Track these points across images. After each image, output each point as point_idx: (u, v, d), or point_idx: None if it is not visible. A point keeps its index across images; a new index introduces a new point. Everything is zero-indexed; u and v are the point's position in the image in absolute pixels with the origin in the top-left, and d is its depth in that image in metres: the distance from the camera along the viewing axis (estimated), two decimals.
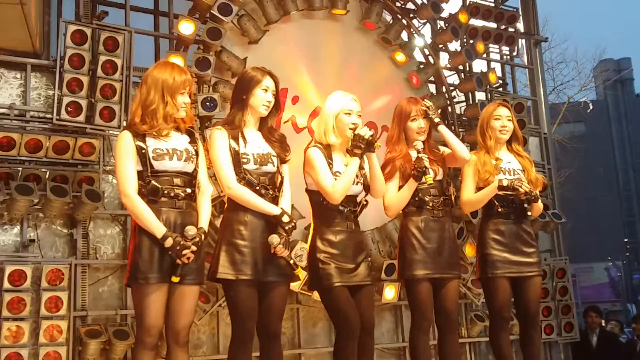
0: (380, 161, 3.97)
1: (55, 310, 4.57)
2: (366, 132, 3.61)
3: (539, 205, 4.26)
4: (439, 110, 4.01)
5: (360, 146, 3.60)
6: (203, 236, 3.21)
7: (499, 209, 4.17)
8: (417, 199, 3.97)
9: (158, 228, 3.11)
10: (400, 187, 3.99)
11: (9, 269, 4.48)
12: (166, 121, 3.22)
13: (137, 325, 3.17)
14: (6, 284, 4.45)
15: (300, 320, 5.78)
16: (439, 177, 4.07)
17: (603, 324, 8.63)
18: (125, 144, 3.18)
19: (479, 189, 4.20)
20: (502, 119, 4.27)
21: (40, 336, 4.50)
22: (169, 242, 3.08)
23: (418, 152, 3.94)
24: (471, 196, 4.19)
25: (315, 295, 5.44)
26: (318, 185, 3.64)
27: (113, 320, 4.90)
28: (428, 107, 4.05)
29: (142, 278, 3.09)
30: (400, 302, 6.10)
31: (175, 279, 3.12)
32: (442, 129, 4.03)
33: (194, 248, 3.12)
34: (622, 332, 10.04)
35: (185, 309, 3.19)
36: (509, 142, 4.34)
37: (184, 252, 3.09)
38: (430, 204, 3.98)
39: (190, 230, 3.13)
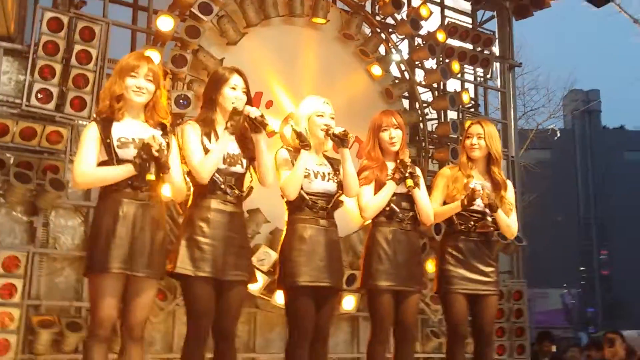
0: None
1: (8, 297, 4.48)
2: (338, 129, 3.69)
3: (507, 222, 4.25)
4: (411, 169, 4.00)
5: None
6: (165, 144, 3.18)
7: (459, 227, 4.22)
8: (387, 208, 4.00)
9: (125, 167, 3.10)
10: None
11: None
12: (113, 101, 3.20)
13: (91, 316, 3.14)
14: None
15: (256, 325, 5.75)
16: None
17: (554, 350, 8.76)
18: (88, 135, 3.17)
19: (444, 203, 4.26)
20: (473, 137, 4.32)
21: None
22: (137, 159, 3.09)
23: (399, 161, 4.00)
24: (436, 209, 4.23)
25: (274, 300, 5.45)
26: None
27: (67, 312, 4.83)
28: (400, 163, 3.99)
29: (99, 268, 3.06)
30: (358, 313, 6.12)
31: (149, 176, 3.09)
32: (415, 192, 4.04)
33: (160, 142, 3.10)
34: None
35: (141, 303, 3.16)
36: (487, 163, 4.36)
37: (153, 146, 3.07)
38: (401, 216, 4.02)
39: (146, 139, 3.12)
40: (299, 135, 3.68)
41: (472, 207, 4.15)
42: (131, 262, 3.09)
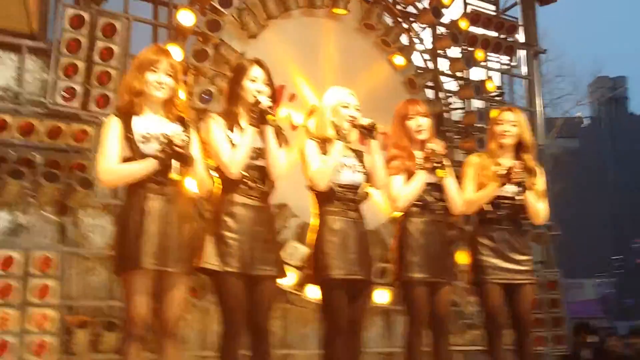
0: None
1: (43, 297, 4.48)
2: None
3: (536, 207, 4.17)
4: (442, 158, 3.91)
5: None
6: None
7: (494, 215, 4.13)
8: (420, 199, 3.92)
9: (148, 162, 3.05)
10: None
11: None
12: (133, 96, 3.15)
13: (126, 315, 3.09)
14: None
15: (290, 320, 5.71)
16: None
17: (591, 340, 8.61)
18: (110, 130, 3.11)
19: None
20: (505, 124, 4.22)
21: (27, 323, 4.41)
22: (163, 154, 3.04)
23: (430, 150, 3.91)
24: (471, 195, 4.14)
25: (306, 295, 5.40)
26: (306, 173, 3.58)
27: (101, 311, 4.82)
28: (431, 153, 3.91)
29: (130, 265, 3.02)
30: (391, 307, 6.04)
31: (173, 175, 3.07)
32: (445, 181, 3.96)
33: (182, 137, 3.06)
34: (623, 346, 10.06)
35: (174, 299, 3.12)
36: (517, 151, 4.26)
37: (176, 142, 3.03)
38: (433, 206, 3.94)
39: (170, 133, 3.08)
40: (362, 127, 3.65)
41: (502, 194, 4.06)
42: (161, 258, 3.04)
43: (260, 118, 3.33)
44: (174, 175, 3.07)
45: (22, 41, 4.87)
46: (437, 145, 3.93)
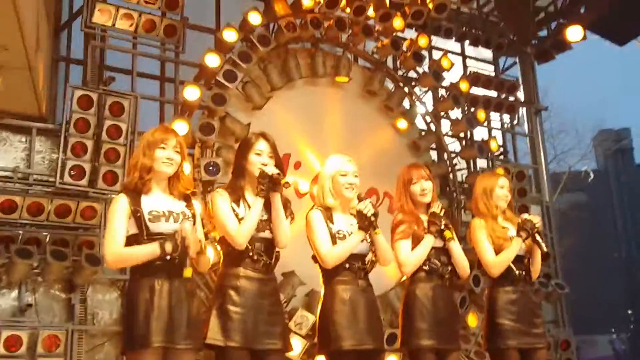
0: (381, 225, 3.96)
1: None
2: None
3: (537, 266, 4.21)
4: (445, 220, 3.96)
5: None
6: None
7: (516, 272, 4.10)
8: (428, 263, 3.92)
9: (152, 248, 3.05)
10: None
11: (5, 334, 4.39)
12: (144, 173, 3.21)
13: None
14: (1, 350, 4.35)
15: None
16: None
17: None
18: (117, 207, 3.15)
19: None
20: (505, 189, 4.28)
21: None
22: (169, 246, 3.03)
23: (431, 214, 3.94)
24: (498, 258, 4.11)
25: None
26: (314, 248, 3.60)
27: None
28: (434, 215, 3.94)
29: (139, 343, 3.01)
30: None
31: (187, 272, 3.07)
32: (451, 244, 3.97)
33: (188, 229, 3.07)
34: None
35: None
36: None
37: (186, 241, 3.04)
38: (441, 271, 3.94)
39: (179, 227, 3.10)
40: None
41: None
42: (171, 335, 3.04)
43: (270, 186, 3.36)
44: (186, 272, 3.09)
45: (32, 124, 4.99)
46: (438, 209, 3.95)
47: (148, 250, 3.05)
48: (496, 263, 4.04)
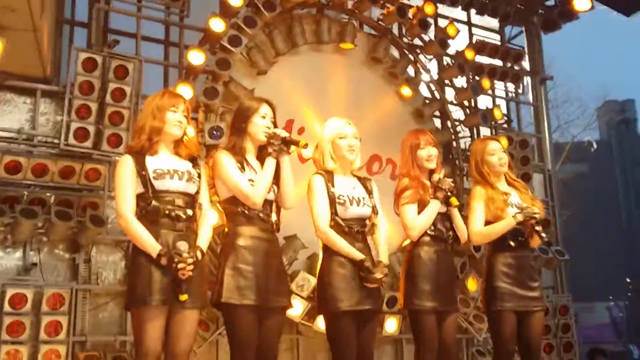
0: (384, 191, 3.99)
1: (54, 334, 4.54)
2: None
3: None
4: (451, 185, 4.01)
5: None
6: (200, 254, 3.20)
7: (511, 242, 4.16)
8: (433, 228, 3.98)
9: (153, 247, 3.10)
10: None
11: (9, 292, 4.47)
12: (153, 135, 3.25)
13: (136, 349, 3.14)
14: (6, 307, 4.43)
15: (300, 351, 5.73)
16: None
17: None
18: (124, 167, 3.21)
19: (487, 222, 4.21)
20: (497, 153, 4.30)
21: None
22: (164, 261, 3.08)
23: (435, 180, 4.00)
24: (483, 229, 4.16)
25: (316, 326, 5.43)
26: (312, 213, 3.64)
27: (112, 347, 4.87)
28: (439, 181, 4.01)
29: (142, 301, 3.08)
30: (401, 336, 6.06)
31: (183, 297, 3.08)
32: (454, 210, 4.04)
33: (190, 261, 3.09)
34: None
35: (185, 333, 3.17)
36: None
37: (180, 266, 3.06)
38: (445, 235, 4.00)
39: (182, 245, 3.11)
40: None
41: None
42: (173, 292, 3.11)
43: (282, 148, 3.42)
44: (181, 297, 3.10)
45: (37, 85, 5.00)
46: (443, 175, 4.01)
47: (148, 245, 3.11)
48: (478, 233, 4.10)
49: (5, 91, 4.95)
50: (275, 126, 3.56)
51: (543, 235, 4.12)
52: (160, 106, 3.29)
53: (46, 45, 4.59)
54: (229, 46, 5.48)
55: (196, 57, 5.33)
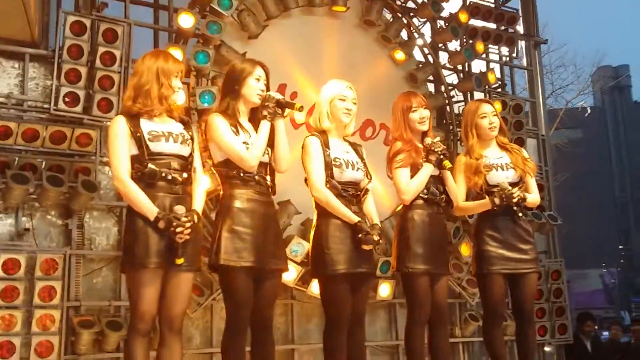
0: (377, 156, 3.98)
1: (48, 299, 4.55)
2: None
3: (534, 198, 4.28)
4: (443, 147, 4.00)
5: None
6: (196, 218, 3.19)
7: (496, 208, 4.18)
8: (426, 192, 3.98)
9: (150, 210, 3.10)
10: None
11: (3, 258, 4.45)
12: (161, 102, 3.23)
13: (131, 311, 3.16)
14: (0, 273, 4.42)
15: (294, 316, 5.76)
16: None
17: (589, 329, 8.64)
18: (118, 128, 3.18)
19: (468, 190, 4.25)
20: (489, 116, 4.29)
21: (33, 325, 4.47)
22: (162, 224, 3.07)
23: (428, 144, 3.99)
24: (465, 204, 4.23)
25: (310, 291, 5.46)
26: (307, 174, 3.64)
27: (106, 311, 4.88)
28: (432, 144, 4.02)
29: (138, 264, 3.08)
30: (395, 300, 6.10)
31: (179, 261, 3.09)
32: (446, 173, 4.07)
33: (188, 225, 3.09)
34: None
35: (180, 296, 3.19)
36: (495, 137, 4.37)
37: (178, 230, 3.06)
38: (437, 199, 4.00)
39: (179, 209, 3.11)
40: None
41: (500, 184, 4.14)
42: (169, 255, 3.11)
43: (276, 111, 3.42)
44: (178, 261, 3.11)
45: (25, 49, 4.92)
46: (435, 138, 4.01)
47: (145, 208, 3.10)
48: (458, 208, 4.17)
49: None
50: (269, 89, 3.54)
51: (520, 214, 4.15)
52: (167, 72, 3.25)
53: (33, 8, 4.52)
54: (219, 9, 5.40)
55: (186, 21, 5.25)
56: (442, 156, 3.96)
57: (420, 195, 3.99)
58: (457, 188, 4.16)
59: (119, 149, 3.15)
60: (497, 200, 4.10)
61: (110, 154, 3.22)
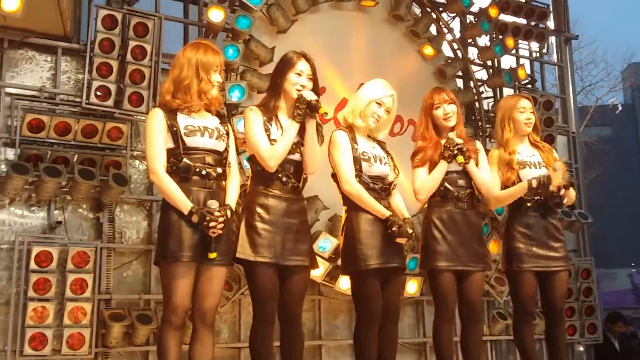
0: (404, 152, 3.96)
1: (80, 292, 4.59)
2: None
3: (572, 193, 4.20)
4: (461, 145, 3.92)
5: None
6: (230, 212, 3.20)
7: (528, 204, 4.12)
8: (442, 188, 3.94)
9: (184, 204, 3.11)
10: None
11: (35, 250, 4.51)
12: (200, 97, 3.23)
13: (164, 304, 3.17)
14: (32, 265, 4.48)
15: (321, 312, 5.76)
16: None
17: (619, 330, 8.53)
18: (155, 121, 3.19)
19: (502, 184, 4.18)
20: (527, 112, 4.24)
21: (64, 317, 4.53)
22: (195, 218, 3.08)
23: (446, 139, 3.95)
24: (500, 193, 4.14)
25: (338, 286, 5.45)
26: (335, 167, 3.63)
27: (136, 305, 4.92)
28: (448, 140, 3.95)
29: (172, 257, 3.10)
30: (422, 297, 6.07)
31: (212, 255, 3.10)
32: (470, 167, 3.98)
33: (221, 220, 3.10)
34: None
35: (213, 290, 3.20)
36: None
37: (212, 224, 3.07)
38: (456, 194, 3.95)
39: (212, 204, 3.13)
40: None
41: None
42: (203, 250, 3.12)
43: (307, 112, 3.38)
44: (210, 255, 3.13)
45: (57, 43, 4.97)
46: (456, 133, 3.96)
47: (179, 202, 3.12)
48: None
49: (27, 49, 4.93)
50: (315, 83, 3.52)
51: (560, 200, 4.07)
52: (207, 66, 3.24)
53: (66, 2, 4.56)
54: (248, 3, 5.40)
55: (216, 15, 5.26)
56: (455, 151, 3.89)
57: (437, 192, 3.96)
58: (490, 180, 4.10)
59: (155, 142, 3.16)
60: (534, 183, 4.02)
61: (147, 147, 3.22)
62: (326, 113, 3.49)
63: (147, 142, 3.22)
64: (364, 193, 3.62)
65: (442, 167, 3.92)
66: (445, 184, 3.94)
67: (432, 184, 3.92)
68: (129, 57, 4.95)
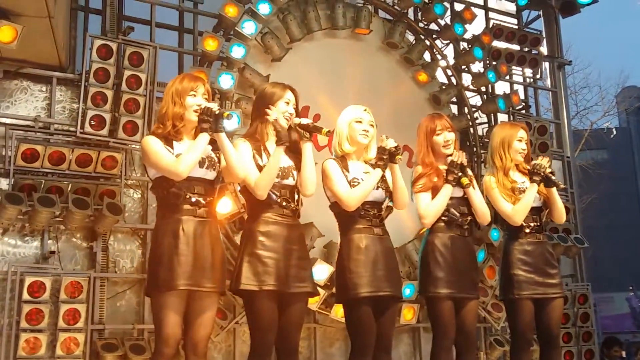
0: (404, 180, 3.95)
1: (73, 322, 4.56)
2: (389, 144, 3.61)
3: (562, 209, 4.20)
4: (464, 168, 3.94)
5: (383, 157, 3.60)
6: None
7: (527, 230, 4.11)
8: (446, 213, 3.92)
9: (202, 137, 3.15)
10: None
11: (28, 280, 4.48)
12: (177, 121, 3.21)
13: (156, 335, 3.13)
14: (25, 295, 4.45)
15: (317, 340, 5.72)
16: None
17: (616, 354, 8.47)
18: (152, 140, 3.18)
19: None
20: (523, 142, 4.24)
21: (57, 348, 4.49)
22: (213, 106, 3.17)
23: (449, 162, 3.94)
24: (517, 206, 4.10)
25: (333, 314, 5.41)
26: (334, 193, 3.63)
27: (130, 335, 4.88)
28: (451, 164, 3.93)
29: (163, 286, 3.07)
30: (418, 324, 6.03)
31: (226, 114, 3.16)
32: (470, 192, 3.97)
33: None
34: None
35: (204, 319, 3.16)
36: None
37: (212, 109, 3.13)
38: (460, 221, 3.94)
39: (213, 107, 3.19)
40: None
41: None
42: (195, 278, 3.09)
43: (309, 134, 3.42)
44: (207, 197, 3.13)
45: (52, 73, 4.99)
46: (457, 157, 3.94)
47: (202, 144, 3.15)
48: (516, 211, 4.03)
49: (21, 79, 4.95)
50: (298, 113, 3.54)
51: (558, 182, 4.11)
52: (180, 91, 3.25)
53: (61, 32, 4.59)
54: (243, 32, 5.43)
55: (210, 44, 5.29)
56: (459, 174, 3.89)
57: (441, 217, 3.94)
58: (500, 205, 4.06)
59: (159, 151, 3.14)
60: (537, 179, 4.03)
61: (152, 162, 3.16)
62: (329, 131, 3.51)
63: (150, 158, 3.15)
64: (360, 187, 3.62)
65: (447, 191, 3.90)
66: (451, 209, 3.93)
67: (438, 208, 3.90)
68: (124, 86, 4.97)
